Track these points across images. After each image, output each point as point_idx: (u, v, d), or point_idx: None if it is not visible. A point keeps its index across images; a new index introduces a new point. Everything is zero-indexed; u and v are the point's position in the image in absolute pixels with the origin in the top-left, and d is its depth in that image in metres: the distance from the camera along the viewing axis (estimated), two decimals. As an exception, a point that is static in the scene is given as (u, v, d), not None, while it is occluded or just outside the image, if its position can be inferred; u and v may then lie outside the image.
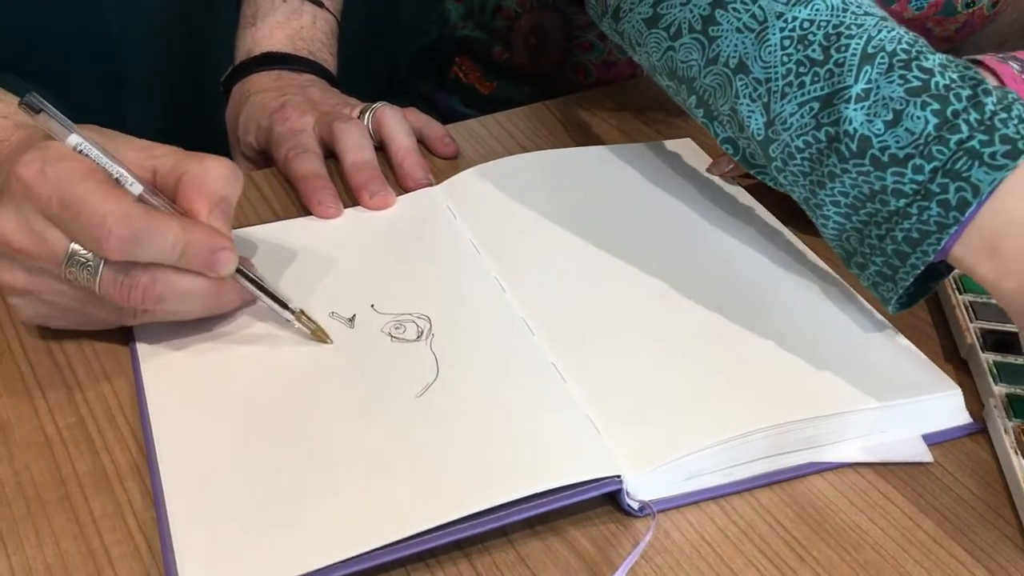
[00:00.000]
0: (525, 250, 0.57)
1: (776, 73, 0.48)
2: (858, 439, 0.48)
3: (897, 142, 0.45)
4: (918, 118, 0.45)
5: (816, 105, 0.47)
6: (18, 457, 0.46)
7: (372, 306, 0.53)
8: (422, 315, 0.53)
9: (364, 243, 0.58)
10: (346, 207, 0.61)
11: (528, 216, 0.60)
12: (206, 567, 0.41)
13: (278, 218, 0.61)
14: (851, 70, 0.46)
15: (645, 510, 0.44)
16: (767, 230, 0.60)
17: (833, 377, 0.49)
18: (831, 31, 0.47)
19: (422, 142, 0.68)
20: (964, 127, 0.44)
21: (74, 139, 0.46)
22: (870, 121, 0.45)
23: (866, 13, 0.49)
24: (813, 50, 0.47)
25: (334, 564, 0.40)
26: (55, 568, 0.42)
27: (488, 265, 0.56)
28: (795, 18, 0.48)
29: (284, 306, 0.51)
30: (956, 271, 0.56)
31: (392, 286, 0.55)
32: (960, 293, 0.56)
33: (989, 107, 0.44)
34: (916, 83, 0.45)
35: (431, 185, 0.63)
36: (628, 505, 0.44)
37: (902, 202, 0.45)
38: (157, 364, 0.50)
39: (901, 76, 0.46)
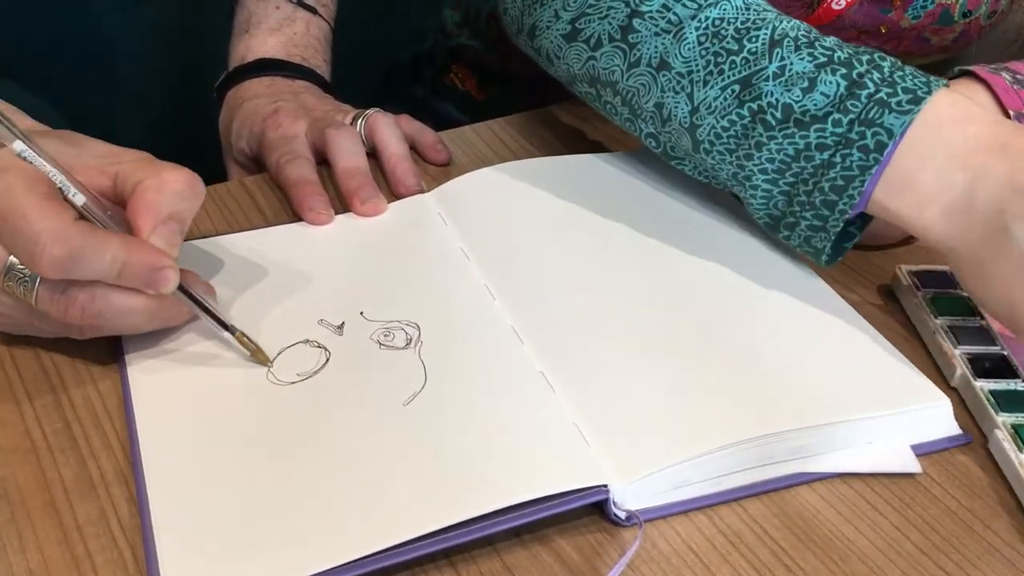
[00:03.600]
0: (515, 258, 0.57)
1: (696, 65, 0.54)
2: (846, 449, 0.48)
3: (815, 104, 0.51)
4: (830, 83, 0.51)
5: (737, 87, 0.53)
6: (3, 463, 0.46)
7: (361, 313, 0.53)
8: (411, 323, 0.52)
9: (355, 250, 0.58)
10: (337, 213, 0.61)
11: (519, 224, 0.60)
12: (189, 574, 0.41)
13: (269, 224, 0.61)
14: (764, 54, 0.52)
15: (632, 519, 0.44)
16: (757, 239, 0.60)
17: (821, 387, 0.49)
18: (740, 25, 0.53)
19: (414, 149, 0.68)
20: (870, 84, 0.50)
21: (18, 146, 0.45)
22: (788, 91, 0.51)
23: (765, 9, 0.55)
24: (727, 42, 0.53)
25: (318, 574, 0.40)
26: (38, 574, 0.42)
27: (478, 273, 0.56)
28: (707, 17, 0.54)
29: (224, 326, 0.50)
30: (927, 292, 0.56)
31: (382, 293, 0.55)
32: (935, 317, 0.54)
33: (887, 68, 0.51)
34: (822, 58, 0.52)
35: (423, 192, 0.63)
36: (615, 514, 0.44)
37: (826, 154, 0.51)
38: (144, 370, 0.50)
39: (809, 53, 0.52)
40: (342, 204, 0.62)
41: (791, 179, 0.52)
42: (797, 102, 0.51)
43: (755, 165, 0.53)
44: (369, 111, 0.68)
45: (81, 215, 0.46)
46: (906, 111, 0.50)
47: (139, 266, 0.46)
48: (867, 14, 0.72)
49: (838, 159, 0.50)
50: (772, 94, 0.52)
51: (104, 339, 0.51)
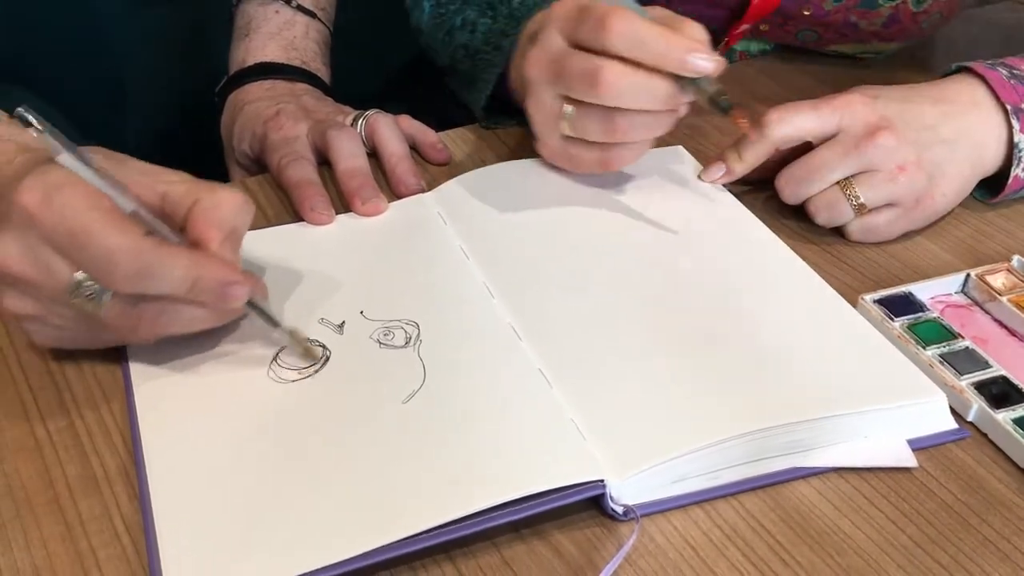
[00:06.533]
0: (514, 257, 0.58)
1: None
2: (842, 444, 0.48)
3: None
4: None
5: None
6: (8, 460, 0.47)
7: (361, 312, 0.54)
8: (411, 321, 0.53)
9: (355, 249, 0.59)
10: (339, 213, 0.61)
11: (518, 223, 0.60)
12: (190, 569, 0.41)
13: (271, 224, 0.62)
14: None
15: (629, 514, 0.45)
16: (756, 237, 0.60)
17: (818, 382, 0.49)
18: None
19: (415, 149, 0.69)
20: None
21: (64, 158, 0.45)
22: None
23: None
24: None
25: (318, 569, 0.41)
26: (43, 570, 0.43)
27: (477, 272, 0.56)
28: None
29: (276, 325, 0.51)
30: (903, 321, 0.57)
31: (382, 292, 0.55)
32: (924, 348, 0.52)
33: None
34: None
35: (423, 192, 0.64)
36: (612, 509, 0.45)
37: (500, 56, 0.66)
38: (146, 367, 0.50)
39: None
40: (343, 204, 0.62)
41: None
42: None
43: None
44: (369, 112, 0.68)
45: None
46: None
47: (211, 281, 0.46)
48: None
49: (498, 60, 0.66)
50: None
51: (107, 338, 0.51)
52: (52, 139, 0.45)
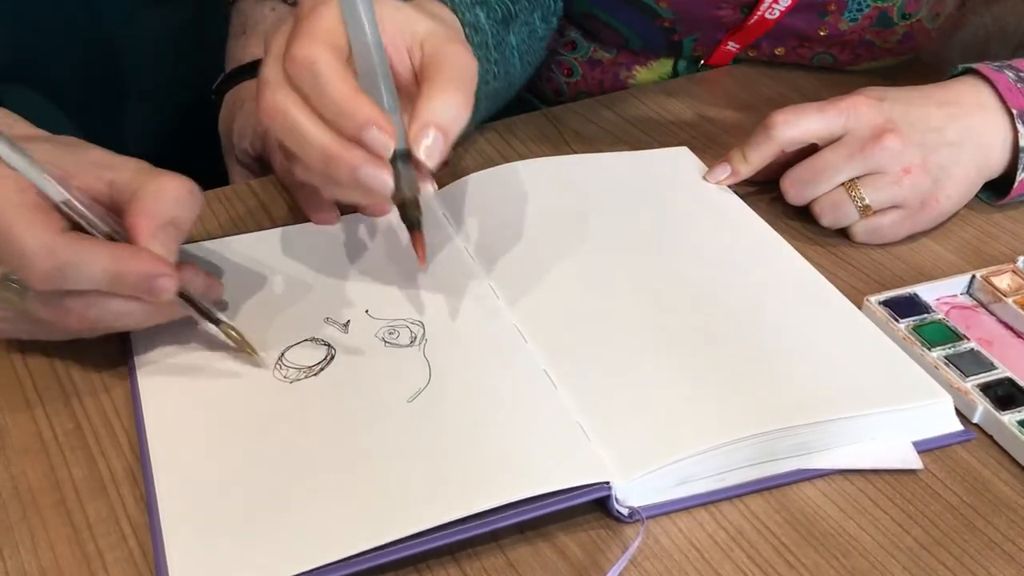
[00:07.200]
0: (519, 257, 0.58)
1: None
2: (848, 446, 0.48)
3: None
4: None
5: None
6: (15, 462, 0.47)
7: (367, 311, 0.54)
8: (416, 321, 0.53)
9: (360, 249, 0.59)
10: (343, 214, 0.61)
11: (523, 224, 0.60)
12: (197, 571, 0.41)
13: (276, 225, 0.62)
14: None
15: (634, 516, 0.45)
16: (762, 238, 0.60)
17: (824, 384, 0.49)
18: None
19: (418, 149, 0.68)
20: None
21: None
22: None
23: None
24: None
25: (323, 567, 0.41)
26: (50, 572, 0.43)
27: (482, 272, 0.57)
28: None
29: (214, 320, 0.50)
30: (908, 323, 0.57)
31: (387, 292, 0.55)
32: (930, 350, 0.52)
33: None
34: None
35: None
36: (617, 511, 0.45)
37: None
38: (152, 369, 0.50)
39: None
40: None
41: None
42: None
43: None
44: (373, 112, 0.68)
45: (75, 224, 0.46)
46: None
47: (134, 276, 0.45)
48: (804, 20, 0.73)
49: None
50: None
51: (113, 340, 0.51)
52: None
